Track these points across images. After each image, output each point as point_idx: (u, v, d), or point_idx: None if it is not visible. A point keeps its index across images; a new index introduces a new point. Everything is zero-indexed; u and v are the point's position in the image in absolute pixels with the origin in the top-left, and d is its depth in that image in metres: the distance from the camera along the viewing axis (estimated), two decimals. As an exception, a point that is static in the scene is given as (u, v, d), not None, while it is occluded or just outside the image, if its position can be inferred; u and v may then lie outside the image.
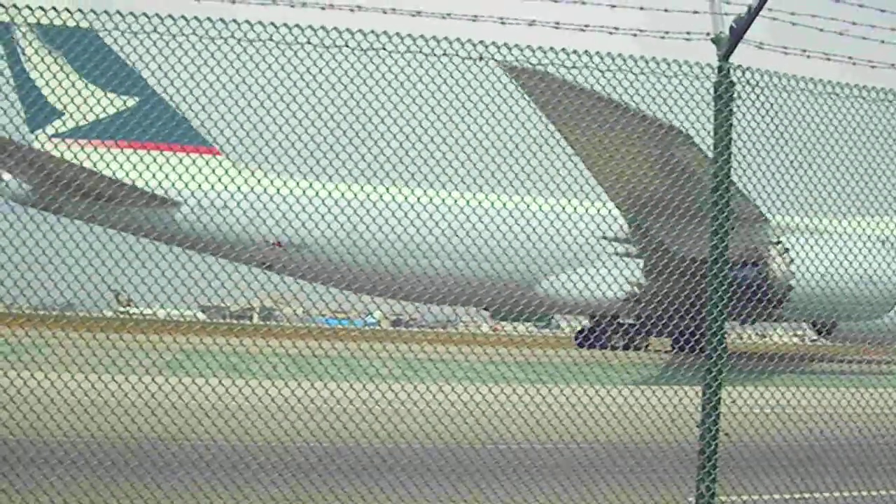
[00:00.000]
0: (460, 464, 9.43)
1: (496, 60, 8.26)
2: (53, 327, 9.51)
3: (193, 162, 9.41)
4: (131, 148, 9.87)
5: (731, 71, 8.87)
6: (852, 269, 10.62)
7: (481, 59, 8.51)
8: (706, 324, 8.68)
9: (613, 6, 8.69)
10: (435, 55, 8.40)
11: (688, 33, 8.90)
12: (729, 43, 8.85)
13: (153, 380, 8.41)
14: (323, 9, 8.27)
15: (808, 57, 9.08)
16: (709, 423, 8.68)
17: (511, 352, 10.88)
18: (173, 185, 9.42)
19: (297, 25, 7.94)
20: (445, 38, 8.31)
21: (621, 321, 32.03)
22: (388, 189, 9.24)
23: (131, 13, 7.72)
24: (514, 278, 11.62)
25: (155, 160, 9.41)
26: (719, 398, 8.67)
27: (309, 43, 7.99)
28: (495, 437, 9.37)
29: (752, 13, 8.69)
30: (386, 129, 8.62)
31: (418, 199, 9.15)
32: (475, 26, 8.42)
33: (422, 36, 8.26)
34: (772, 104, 9.05)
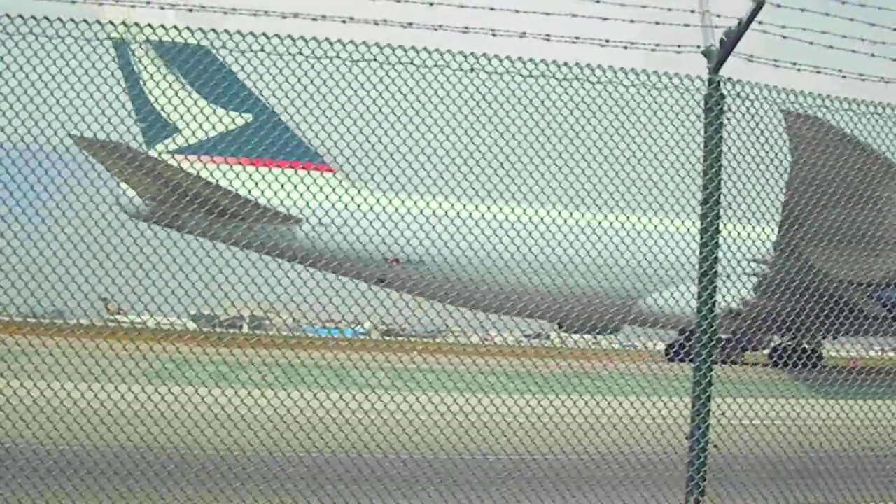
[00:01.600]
0: (450, 475, 9.42)
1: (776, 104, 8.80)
2: (43, 335, 9.49)
3: (314, 180, 9.68)
4: (252, 165, 9.91)
5: (722, 83, 8.92)
6: None
7: (472, 70, 8.55)
8: (697, 336, 8.71)
9: (605, 19, 8.71)
10: (427, 66, 8.44)
11: (679, 46, 8.95)
12: (719, 56, 8.90)
13: (143, 389, 8.40)
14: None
15: (799, 70, 9.12)
16: (698, 435, 8.70)
17: (501, 362, 10.90)
18: (295, 202, 9.67)
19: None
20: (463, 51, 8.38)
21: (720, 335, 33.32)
22: (504, 207, 9.52)
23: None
24: (622, 294, 11.86)
25: (276, 178, 9.54)
26: (708, 410, 8.69)
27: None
28: (484, 448, 9.36)
29: (743, 26, 8.74)
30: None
31: (536, 215, 9.44)
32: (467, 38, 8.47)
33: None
34: (762, 116, 9.09)
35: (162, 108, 9.74)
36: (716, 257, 8.72)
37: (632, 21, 8.81)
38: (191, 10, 8.26)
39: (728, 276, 11.35)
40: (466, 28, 8.50)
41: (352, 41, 8.26)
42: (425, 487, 9.42)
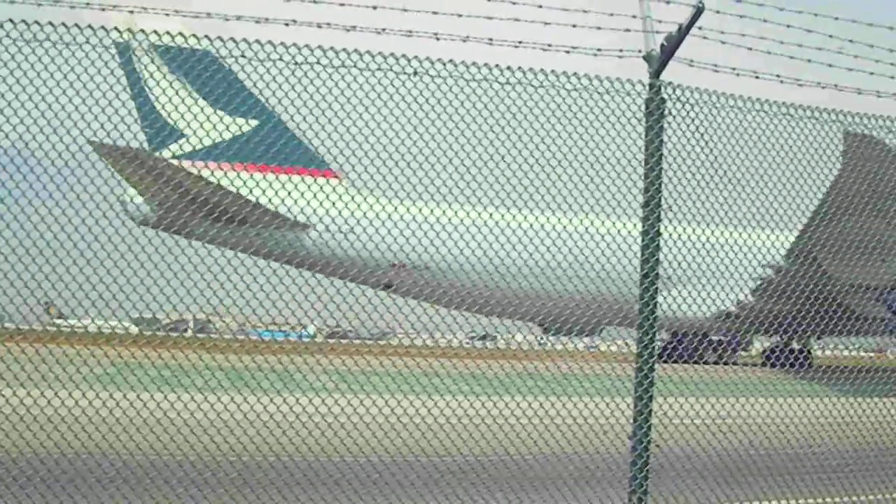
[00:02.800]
0: (393, 476, 9.43)
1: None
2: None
3: (321, 188, 9.72)
4: (259, 171, 9.88)
5: (663, 88, 9.03)
6: None
7: (416, 73, 8.57)
8: (638, 338, 8.82)
9: (547, 24, 8.78)
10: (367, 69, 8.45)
11: (620, 51, 9.05)
12: (660, 60, 9.02)
13: (83, 394, 8.30)
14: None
15: (738, 75, 9.28)
16: (640, 435, 8.80)
17: (444, 364, 10.93)
18: (302, 208, 9.71)
19: (403, 55, 8.49)
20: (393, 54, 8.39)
21: (711, 338, 35.36)
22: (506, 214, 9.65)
23: (244, 39, 8.17)
24: (621, 297, 12.19)
25: (283, 185, 9.54)
26: (650, 410, 8.79)
27: (412, 72, 8.52)
28: (428, 450, 9.37)
29: (683, 32, 8.87)
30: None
31: (538, 222, 9.74)
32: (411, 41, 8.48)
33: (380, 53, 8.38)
34: (702, 120, 9.23)
35: (168, 115, 9.69)
36: (657, 259, 8.83)
37: (574, 26, 8.89)
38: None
39: (724, 279, 11.82)
40: (410, 32, 8.51)
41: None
42: (370, 490, 9.42)
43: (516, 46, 8.97)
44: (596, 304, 11.90)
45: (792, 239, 13.23)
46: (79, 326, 9.85)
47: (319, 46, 8.34)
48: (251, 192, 9.93)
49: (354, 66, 8.55)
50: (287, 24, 8.35)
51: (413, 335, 12.24)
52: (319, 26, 8.54)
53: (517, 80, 8.76)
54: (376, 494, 9.15)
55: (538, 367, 10.59)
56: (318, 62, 8.40)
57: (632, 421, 8.84)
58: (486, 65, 8.73)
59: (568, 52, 8.94)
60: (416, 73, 8.66)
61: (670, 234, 10.09)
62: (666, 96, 9.03)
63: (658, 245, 8.84)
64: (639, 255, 9.88)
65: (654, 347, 8.80)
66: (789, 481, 10.14)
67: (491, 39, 8.87)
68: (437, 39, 8.57)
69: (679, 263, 10.37)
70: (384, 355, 11.96)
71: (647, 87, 9.02)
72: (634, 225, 9.50)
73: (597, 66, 8.93)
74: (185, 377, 9.47)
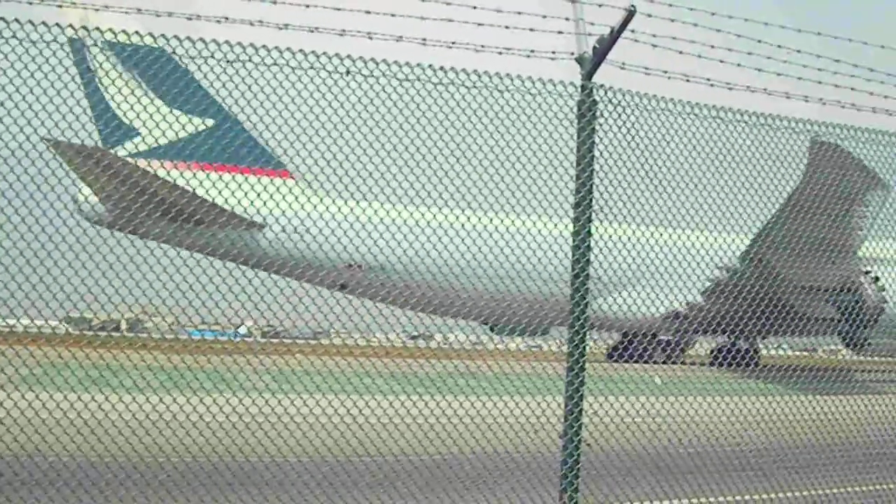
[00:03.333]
0: (326, 478, 9.38)
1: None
2: None
3: (278, 188, 9.65)
4: (214, 170, 9.74)
5: (595, 90, 9.11)
6: None
7: (348, 73, 8.55)
8: (569, 338, 8.88)
9: (480, 24, 8.80)
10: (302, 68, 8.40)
11: (553, 53, 9.10)
12: (592, 63, 9.09)
13: (8, 395, 8.13)
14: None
15: (669, 78, 9.39)
16: (571, 434, 8.86)
17: (376, 364, 10.91)
18: (258, 208, 9.62)
19: (336, 54, 8.45)
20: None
21: (660, 338, 36.26)
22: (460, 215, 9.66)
23: (201, 38, 8.09)
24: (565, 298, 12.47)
25: (240, 185, 9.41)
26: (581, 409, 8.85)
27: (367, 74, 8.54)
28: (360, 450, 9.35)
29: (615, 34, 8.95)
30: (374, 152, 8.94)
31: (491, 223, 9.89)
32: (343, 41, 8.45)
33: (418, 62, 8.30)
34: (633, 122, 9.32)
35: (125, 115, 9.58)
36: (588, 259, 8.91)
37: (507, 27, 8.92)
38: (158, 16, 8.25)
39: (674, 280, 12.09)
40: (343, 31, 8.48)
41: (313, 51, 8.39)
42: (301, 491, 9.37)
43: (450, 47, 8.98)
44: (545, 304, 12.01)
45: (746, 242, 13.54)
46: (3, 326, 9.66)
47: (276, 47, 8.34)
48: (207, 192, 9.84)
49: (287, 64, 8.50)
50: (219, 22, 8.33)
51: (349, 335, 12.21)
52: (252, 24, 8.51)
53: (450, 81, 8.77)
54: (308, 495, 9.09)
55: (471, 365, 10.59)
56: (275, 63, 8.39)
57: (563, 420, 8.90)
58: (419, 65, 8.73)
59: (501, 53, 8.98)
60: (348, 73, 8.63)
61: (619, 237, 10.28)
62: (598, 98, 9.10)
63: (589, 245, 8.92)
64: (561, 254, 10.00)
65: (584, 347, 8.87)
66: (718, 479, 10.28)
67: (424, 40, 8.88)
68: (371, 39, 8.56)
69: (629, 265, 10.55)
70: (319, 355, 11.90)
71: (580, 89, 9.09)
72: (558, 225, 9.63)
73: (530, 67, 8.96)
74: (116, 377, 9.34)
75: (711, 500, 10.16)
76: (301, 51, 8.43)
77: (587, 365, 8.80)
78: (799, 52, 9.52)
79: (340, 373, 9.74)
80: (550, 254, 9.99)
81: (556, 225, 9.64)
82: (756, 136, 10.09)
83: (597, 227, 9.88)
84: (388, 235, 9.57)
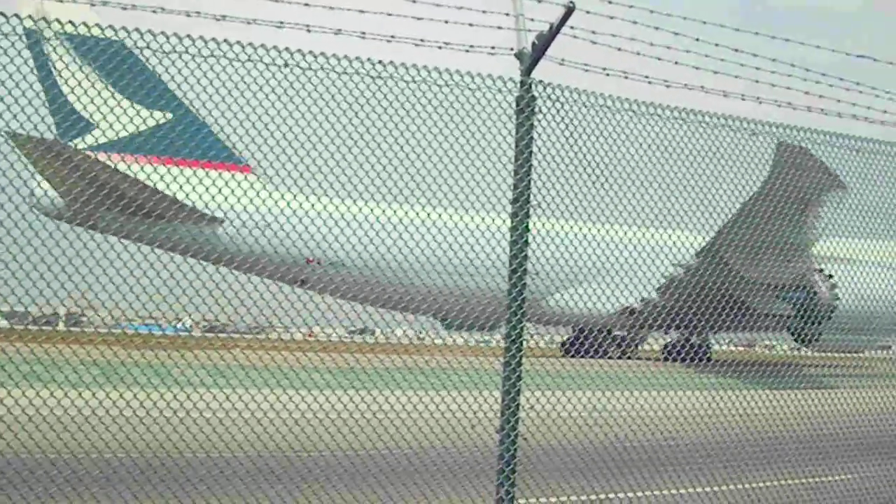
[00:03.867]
0: (260, 472, 9.33)
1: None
2: None
3: (239, 183, 9.56)
4: (172, 164, 9.60)
5: (533, 85, 9.13)
6: (879, 291, 13.30)
7: (286, 65, 8.49)
8: (506, 332, 8.91)
9: (419, 18, 8.79)
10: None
11: (492, 48, 9.12)
12: (531, 58, 9.12)
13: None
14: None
15: (608, 75, 9.44)
16: (507, 428, 8.89)
17: (314, 359, 10.86)
18: (219, 204, 9.53)
19: (274, 47, 8.40)
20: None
21: (616, 333, 37.17)
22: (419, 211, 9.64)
23: (162, 32, 8.07)
24: (530, 294, 12.75)
25: (200, 180, 9.29)
26: (518, 404, 8.89)
27: (324, 69, 8.52)
28: (296, 445, 9.30)
29: (554, 31, 8.98)
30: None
31: (452, 219, 9.80)
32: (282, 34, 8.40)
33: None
34: (571, 118, 9.36)
35: (84, 108, 9.42)
36: (525, 255, 8.93)
37: (446, 21, 8.91)
38: (125, 8, 8.16)
39: (629, 277, 12.28)
40: (281, 23, 8.43)
41: (250, 43, 8.31)
42: (237, 487, 9.32)
43: (389, 41, 8.97)
44: (495, 300, 12.11)
45: (701, 240, 13.78)
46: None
47: (238, 41, 8.29)
48: (168, 186, 9.76)
49: (224, 56, 8.44)
50: (188, 16, 8.28)
51: (292, 329, 12.17)
52: (189, 15, 8.45)
53: (389, 75, 8.74)
54: (243, 490, 9.04)
55: (417, 360, 10.58)
56: (237, 57, 8.36)
57: (500, 414, 8.94)
58: (357, 58, 8.69)
59: (440, 47, 8.95)
60: (286, 65, 8.58)
61: (576, 234, 10.39)
62: (536, 94, 9.13)
63: (527, 241, 8.95)
64: (536, 252, 10.07)
65: (521, 342, 8.91)
66: (654, 473, 10.38)
67: (363, 33, 8.84)
68: (309, 31, 8.53)
69: (585, 262, 10.66)
70: (262, 349, 11.84)
71: (519, 85, 9.11)
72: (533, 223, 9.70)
73: (469, 62, 8.97)
74: (56, 372, 9.20)
75: (640, 494, 10.26)
76: (238, 42, 8.37)
77: (542, 360, 8.85)
78: (736, 51, 9.63)
79: (277, 368, 9.66)
80: (500, 249, 10.02)
81: (504, 221, 9.67)
82: (693, 133, 10.18)
83: (553, 225, 10.03)
84: (349, 231, 9.56)
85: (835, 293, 22.67)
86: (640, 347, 38.90)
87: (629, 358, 33.55)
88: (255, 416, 9.27)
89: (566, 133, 9.28)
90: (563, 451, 9.84)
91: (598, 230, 10.40)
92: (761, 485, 11.00)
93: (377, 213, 9.48)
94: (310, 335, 12.66)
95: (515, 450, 8.90)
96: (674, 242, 12.65)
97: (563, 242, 10.83)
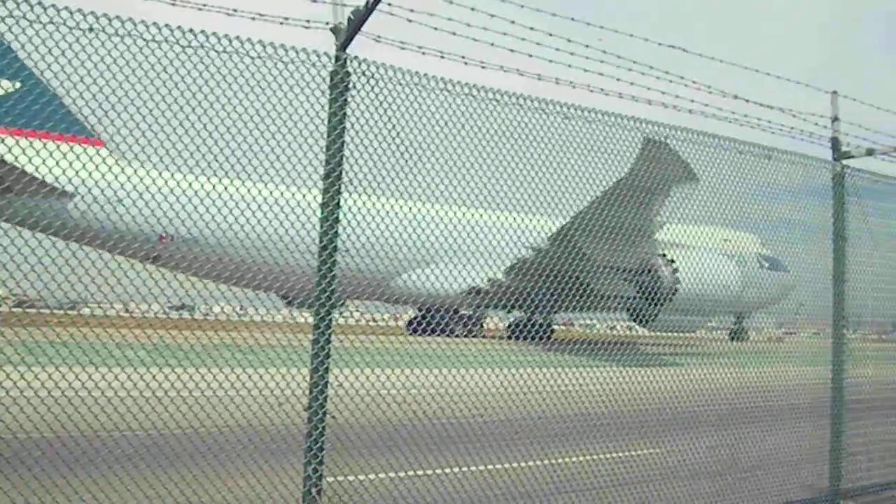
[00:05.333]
0: (73, 454, 9.00)
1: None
2: None
3: (90, 157, 8.98)
4: (22, 136, 8.88)
5: (348, 61, 9.07)
6: (712, 275, 14.33)
7: (91, 30, 8.16)
8: (315, 310, 8.86)
9: (232, -9, 8.61)
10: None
11: (308, 21, 9.00)
12: (347, 34, 9.06)
13: None
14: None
15: (424, 54, 9.46)
16: (315, 406, 8.85)
17: (141, 335, 10.55)
18: (70, 177, 8.92)
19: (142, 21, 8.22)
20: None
21: (462, 312, 37.76)
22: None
23: None
24: (378, 274, 12.75)
25: (51, 153, 8.65)
26: (326, 381, 8.86)
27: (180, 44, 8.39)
28: (108, 425, 9.02)
29: (370, 6, 8.94)
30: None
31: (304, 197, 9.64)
32: None
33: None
34: (385, 96, 9.34)
35: None
36: (336, 231, 8.89)
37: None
38: None
39: (476, 258, 12.41)
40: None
41: (93, 12, 8.03)
42: (45, 468, 9.00)
43: (200, 9, 8.76)
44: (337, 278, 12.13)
45: (553, 224, 14.19)
46: None
47: (92, 12, 8.04)
48: (17, 158, 9.26)
49: (91, 28, 8.11)
50: None
51: (106, 305, 11.80)
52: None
53: (199, 44, 8.51)
54: (66, 472, 8.73)
55: (235, 337, 10.40)
56: (90, 28, 8.03)
57: (308, 392, 8.89)
58: (167, 25, 8.43)
59: (254, 18, 8.81)
60: (91, 30, 8.26)
61: (425, 214, 10.44)
62: (351, 70, 9.08)
63: (337, 217, 8.90)
64: (368, 230, 10.05)
65: (330, 319, 8.87)
66: (461, 449, 10.52)
67: (174, 2, 8.62)
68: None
69: (432, 243, 10.72)
70: (75, 326, 11.41)
71: (333, 60, 9.03)
72: (372, 201, 9.70)
73: (284, 35, 8.82)
74: None
75: (448, 471, 10.41)
76: (53, 5, 8.02)
77: (391, 338, 8.84)
78: (551, 35, 9.79)
79: (91, 345, 9.33)
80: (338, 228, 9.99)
81: (346, 199, 9.61)
82: (507, 115, 10.31)
83: (403, 205, 10.10)
84: (203, 209, 9.31)
85: (676, 277, 23.62)
86: (483, 326, 39.71)
87: (475, 336, 34.22)
88: (65, 395, 8.93)
89: (380, 110, 9.26)
90: (375, 429, 9.86)
91: (447, 211, 10.48)
92: (567, 460, 11.29)
93: (231, 190, 9.26)
94: (126, 311, 12.29)
95: (324, 428, 8.88)
96: (526, 226, 12.97)
97: (410, 223, 10.94)
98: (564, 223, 12.14)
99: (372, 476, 9.97)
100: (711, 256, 14.56)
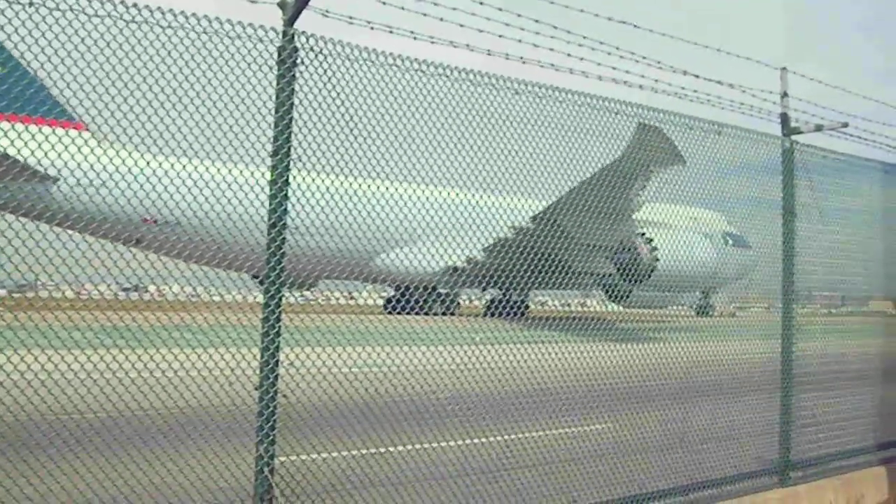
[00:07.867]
0: (20, 438, 8.85)
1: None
2: None
3: (73, 140, 8.72)
4: (6, 120, 8.60)
5: (296, 36, 8.96)
6: (689, 253, 14.63)
7: (31, 4, 7.97)
8: (265, 288, 8.78)
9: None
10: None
11: (255, -5, 8.88)
12: (294, 8, 8.95)
13: None
14: None
15: (373, 29, 9.37)
16: (266, 385, 8.80)
17: (96, 317, 10.38)
18: (53, 161, 8.70)
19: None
20: None
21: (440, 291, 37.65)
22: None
23: None
24: (359, 253, 12.84)
25: (33, 135, 8.40)
26: (277, 360, 8.80)
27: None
28: (56, 407, 8.87)
29: (317, -20, 8.82)
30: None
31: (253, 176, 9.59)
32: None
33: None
34: (334, 72, 9.24)
35: None
36: (285, 209, 8.80)
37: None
38: None
39: (453, 237, 12.46)
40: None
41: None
42: (5, 452, 8.87)
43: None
44: (311, 258, 12.05)
45: (536, 205, 14.33)
46: None
47: None
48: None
49: (57, 8, 7.93)
50: None
51: (55, 287, 11.57)
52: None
53: (143, 19, 8.34)
54: (13, 457, 8.58)
55: (185, 318, 10.27)
56: (70, 9, 7.90)
57: (259, 371, 8.83)
58: (109, 0, 8.25)
59: (199, -6, 8.66)
60: (31, 4, 8.06)
61: (401, 195, 10.39)
62: (299, 45, 8.97)
63: (286, 195, 8.81)
64: (345, 210, 9.98)
65: (280, 297, 8.80)
66: (413, 427, 10.52)
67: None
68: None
69: (410, 222, 10.69)
70: (23, 309, 11.22)
71: (281, 35, 8.92)
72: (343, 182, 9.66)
73: (229, 10, 8.70)
74: None
75: (399, 448, 10.41)
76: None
77: (366, 317, 8.79)
78: (501, 10, 9.75)
79: (37, 327, 9.17)
80: (308, 207, 9.89)
81: (314, 179, 9.53)
82: (462, 90, 10.25)
83: (380, 185, 10.07)
84: (185, 190, 9.18)
85: (654, 255, 23.91)
86: (459, 304, 39.76)
87: (452, 314, 34.22)
88: (10, 378, 8.77)
89: (329, 86, 9.16)
90: (328, 407, 9.80)
91: (423, 191, 10.46)
92: (520, 436, 11.34)
93: (212, 171, 9.14)
94: (80, 292, 12.07)
95: (275, 407, 8.83)
96: (508, 206, 13.05)
97: (387, 204, 10.91)
98: (549, 204, 12.22)
99: (325, 455, 9.93)
100: (687, 234, 14.81)
